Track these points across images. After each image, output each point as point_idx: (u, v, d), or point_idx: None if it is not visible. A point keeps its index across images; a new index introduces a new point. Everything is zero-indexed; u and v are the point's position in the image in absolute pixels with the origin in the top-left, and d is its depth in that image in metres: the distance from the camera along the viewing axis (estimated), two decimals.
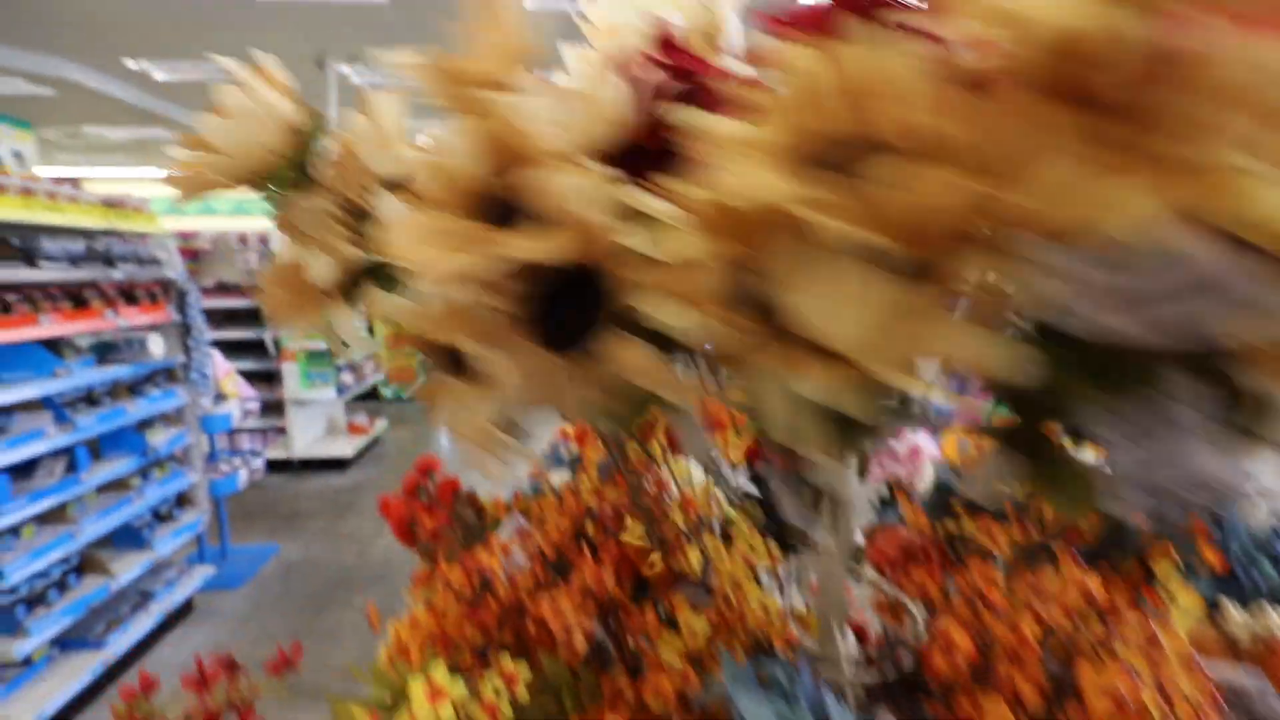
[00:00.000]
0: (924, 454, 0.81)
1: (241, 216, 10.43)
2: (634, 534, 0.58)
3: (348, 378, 4.52)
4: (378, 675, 0.45)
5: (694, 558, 0.57)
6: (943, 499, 0.73)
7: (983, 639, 0.41)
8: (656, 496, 0.61)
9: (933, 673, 0.42)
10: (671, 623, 0.52)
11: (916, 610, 0.51)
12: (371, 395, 6.02)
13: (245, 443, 4.16)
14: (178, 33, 4.91)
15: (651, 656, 0.51)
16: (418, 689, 0.38)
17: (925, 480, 0.77)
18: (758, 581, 0.55)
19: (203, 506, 2.71)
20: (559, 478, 0.66)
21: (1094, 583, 0.40)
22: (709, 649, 0.51)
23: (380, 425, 4.92)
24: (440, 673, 0.38)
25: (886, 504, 0.81)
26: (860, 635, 0.55)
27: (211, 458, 2.83)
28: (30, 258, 1.98)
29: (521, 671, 0.41)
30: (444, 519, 0.61)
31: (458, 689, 0.38)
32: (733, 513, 0.61)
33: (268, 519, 3.61)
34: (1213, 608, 0.53)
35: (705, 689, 0.43)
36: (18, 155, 2.09)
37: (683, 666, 0.47)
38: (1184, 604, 0.48)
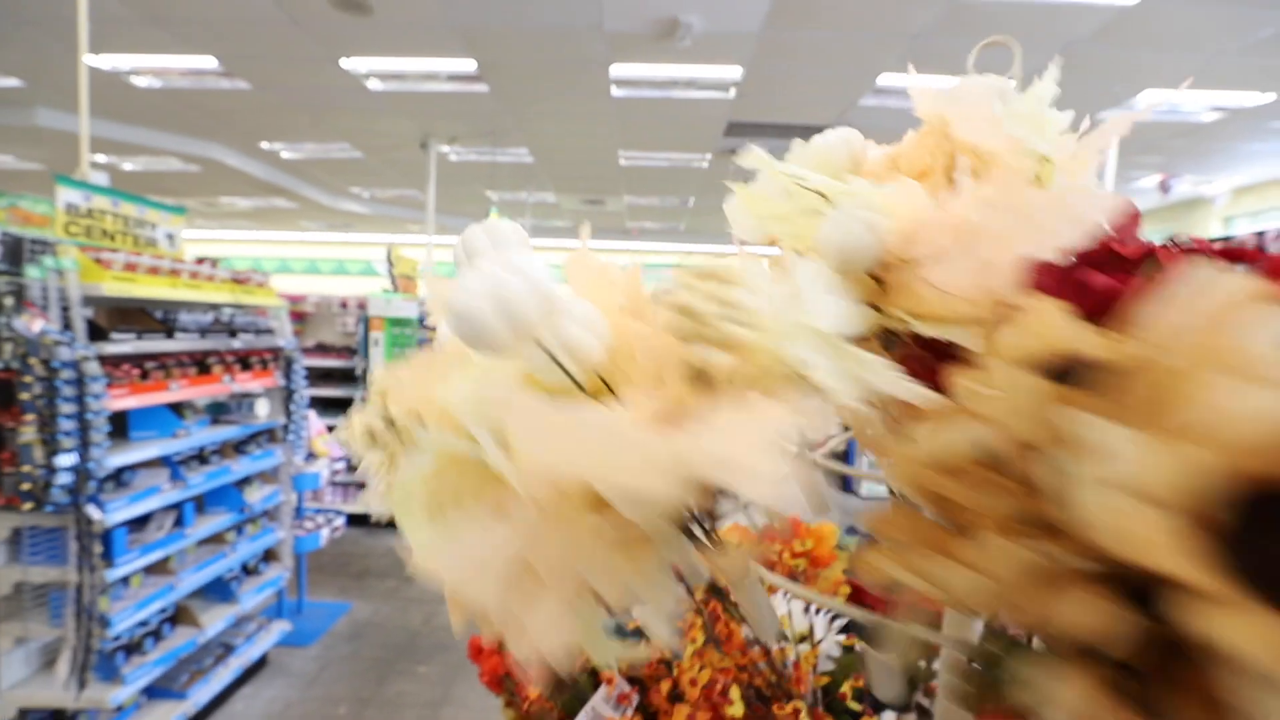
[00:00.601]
0: None
1: (341, 276, 11.34)
2: (738, 708, 0.55)
3: None
4: None
5: None
6: None
7: None
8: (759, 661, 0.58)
9: None
10: None
11: None
12: None
13: (328, 497, 4.35)
14: (304, 118, 5.52)
15: None
16: None
17: None
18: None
19: (286, 562, 2.83)
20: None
21: None
22: None
23: None
24: None
25: None
26: None
27: (298, 514, 2.97)
28: (169, 329, 2.20)
29: None
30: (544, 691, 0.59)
31: None
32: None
33: (341, 576, 3.72)
34: None
35: None
36: (170, 237, 2.37)
37: None
38: None
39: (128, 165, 6.83)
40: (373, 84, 4.63)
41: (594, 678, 0.68)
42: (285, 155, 6.68)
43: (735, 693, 0.56)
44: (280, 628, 2.75)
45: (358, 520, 4.36)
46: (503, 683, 0.62)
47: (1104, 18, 3.34)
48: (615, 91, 4.61)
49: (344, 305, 4.49)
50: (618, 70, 4.25)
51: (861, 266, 0.29)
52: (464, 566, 0.26)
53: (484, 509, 0.26)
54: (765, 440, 0.19)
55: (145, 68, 4.44)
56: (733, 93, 4.55)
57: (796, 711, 0.53)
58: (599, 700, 0.62)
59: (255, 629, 2.65)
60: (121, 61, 4.31)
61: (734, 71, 4.21)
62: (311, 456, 3.08)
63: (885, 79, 4.24)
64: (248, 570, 2.64)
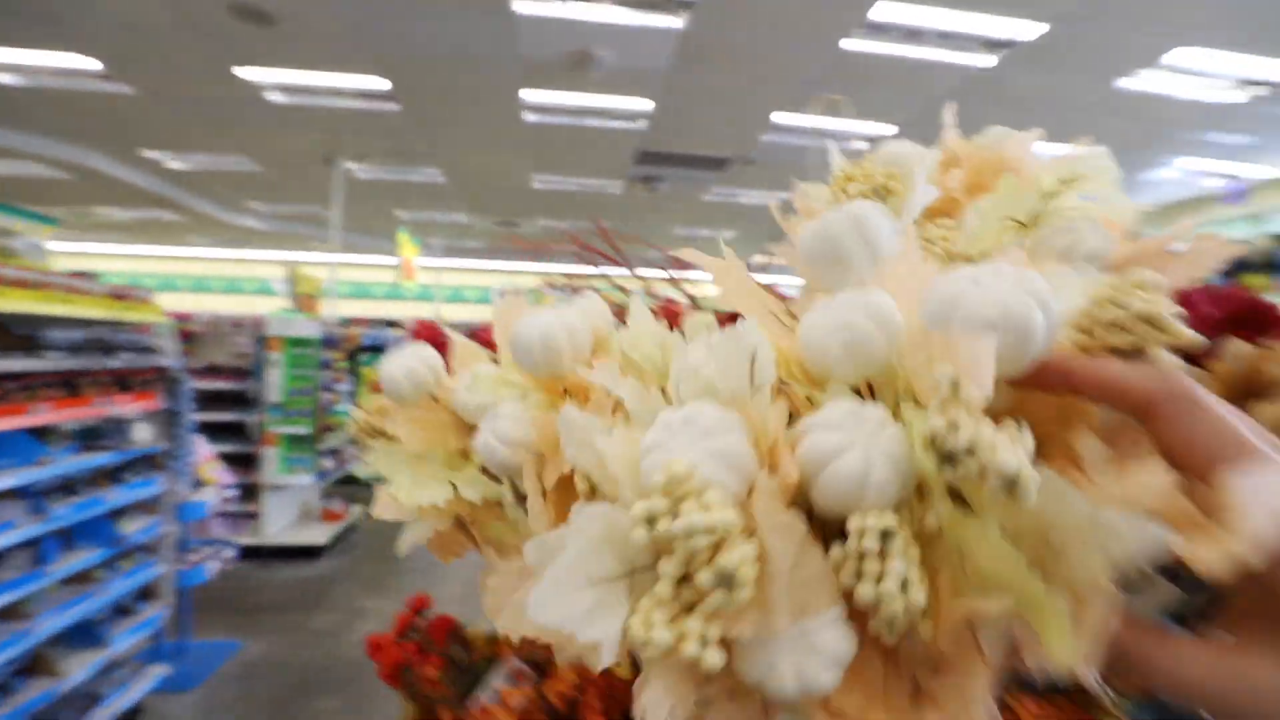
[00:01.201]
0: None
1: (234, 295, 10.59)
2: (626, 670, 0.61)
3: (328, 463, 4.47)
4: None
5: None
6: None
7: None
8: None
9: None
10: None
11: None
12: (349, 480, 5.92)
13: (216, 529, 4.04)
14: (195, 128, 5.21)
15: None
16: None
17: None
18: None
19: (166, 599, 2.61)
20: None
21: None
22: None
23: (356, 512, 4.81)
24: None
25: None
26: None
27: (182, 547, 2.75)
28: (32, 346, 2.03)
29: None
30: (440, 664, 0.63)
31: None
32: None
33: (231, 612, 3.45)
34: None
35: None
36: (37, 248, 2.19)
37: None
38: None
39: None
40: (274, 96, 4.46)
41: (490, 661, 0.73)
42: (171, 165, 6.24)
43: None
44: (158, 671, 2.52)
45: (252, 553, 4.07)
46: (400, 674, 0.66)
47: (962, 77, 3.80)
48: (528, 117, 4.69)
49: (237, 325, 4.23)
50: (530, 96, 4.34)
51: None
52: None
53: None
54: None
55: (10, 63, 4.06)
56: (643, 123, 4.76)
57: None
58: (498, 677, 0.67)
59: (128, 675, 2.42)
60: None
61: (645, 104, 4.41)
62: (199, 484, 2.88)
63: (780, 117, 4.58)
64: (121, 610, 2.42)
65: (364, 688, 2.69)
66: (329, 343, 4.53)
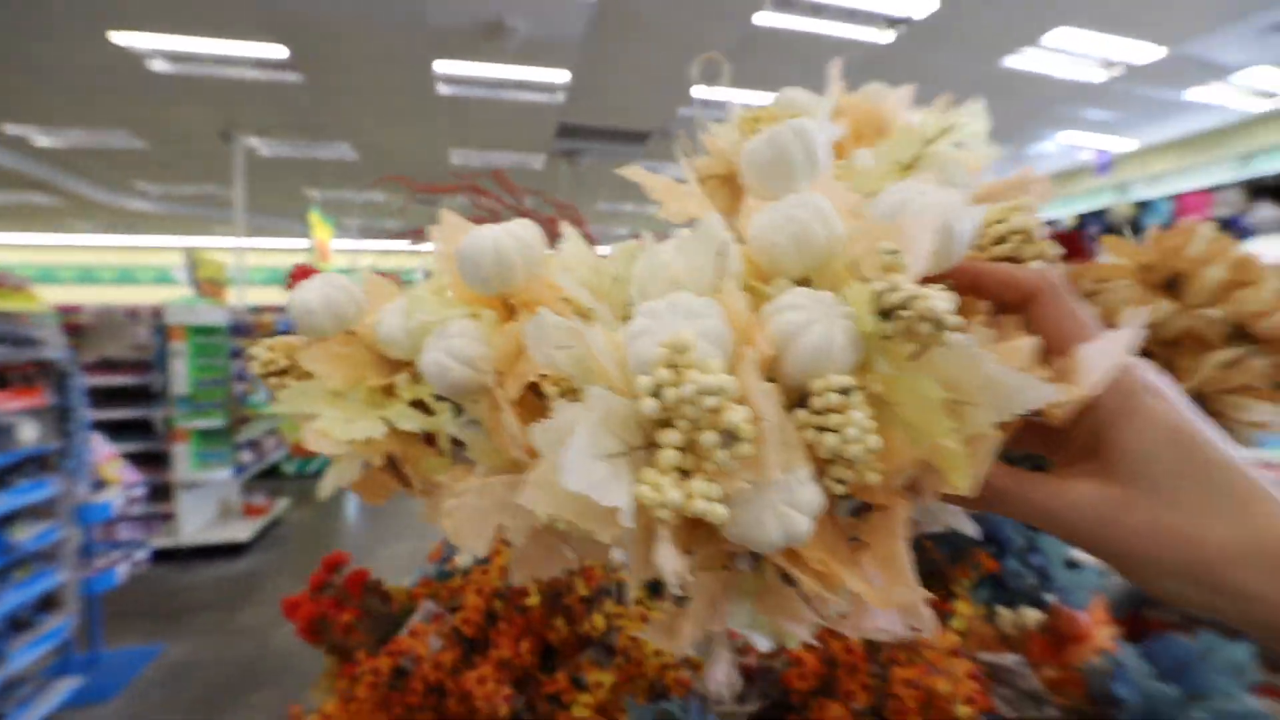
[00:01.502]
0: None
1: (128, 286, 9.73)
2: (535, 599, 0.66)
3: (246, 456, 4.27)
4: None
5: (597, 621, 0.65)
6: None
7: (828, 658, 0.53)
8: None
9: (790, 688, 0.54)
10: (580, 684, 0.59)
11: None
12: (272, 473, 5.67)
13: (125, 533, 3.80)
14: (64, 99, 4.73)
15: (564, 716, 0.58)
16: None
17: None
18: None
19: (71, 609, 2.46)
20: (465, 559, 0.73)
21: None
22: (615, 700, 0.59)
23: (281, 505, 4.63)
24: None
25: None
26: (745, 672, 0.66)
27: (86, 552, 2.59)
28: None
29: None
30: (355, 613, 0.66)
31: None
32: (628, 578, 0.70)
33: (149, 618, 3.28)
34: (992, 612, 0.69)
35: None
36: None
37: (593, 718, 0.55)
38: (962, 611, 0.62)
39: None
40: (157, 64, 4.11)
41: (409, 611, 0.76)
42: (40, 142, 5.64)
43: (533, 588, 0.66)
44: (69, 684, 2.39)
45: (169, 554, 3.86)
46: (318, 627, 0.68)
47: (865, 53, 3.97)
48: (442, 89, 4.54)
49: (133, 315, 3.93)
50: (443, 67, 4.20)
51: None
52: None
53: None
54: None
55: None
56: (561, 96, 4.70)
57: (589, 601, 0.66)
58: (415, 619, 0.71)
59: (31, 691, 2.28)
60: None
61: (562, 75, 4.35)
62: (101, 485, 2.70)
63: (698, 91, 4.64)
64: (18, 624, 2.27)
65: (301, 676, 2.64)
66: (239, 330, 4.29)
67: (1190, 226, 0.37)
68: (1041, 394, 0.20)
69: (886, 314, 0.20)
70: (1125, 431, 0.21)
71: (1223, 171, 5.04)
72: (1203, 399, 0.35)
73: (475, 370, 0.30)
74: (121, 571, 2.68)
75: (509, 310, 0.32)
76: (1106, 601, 0.66)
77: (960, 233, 0.23)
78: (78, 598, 2.48)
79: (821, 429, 0.20)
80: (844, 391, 0.20)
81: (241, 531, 4.07)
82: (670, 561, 0.20)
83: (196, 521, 4.03)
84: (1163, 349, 0.34)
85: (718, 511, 0.19)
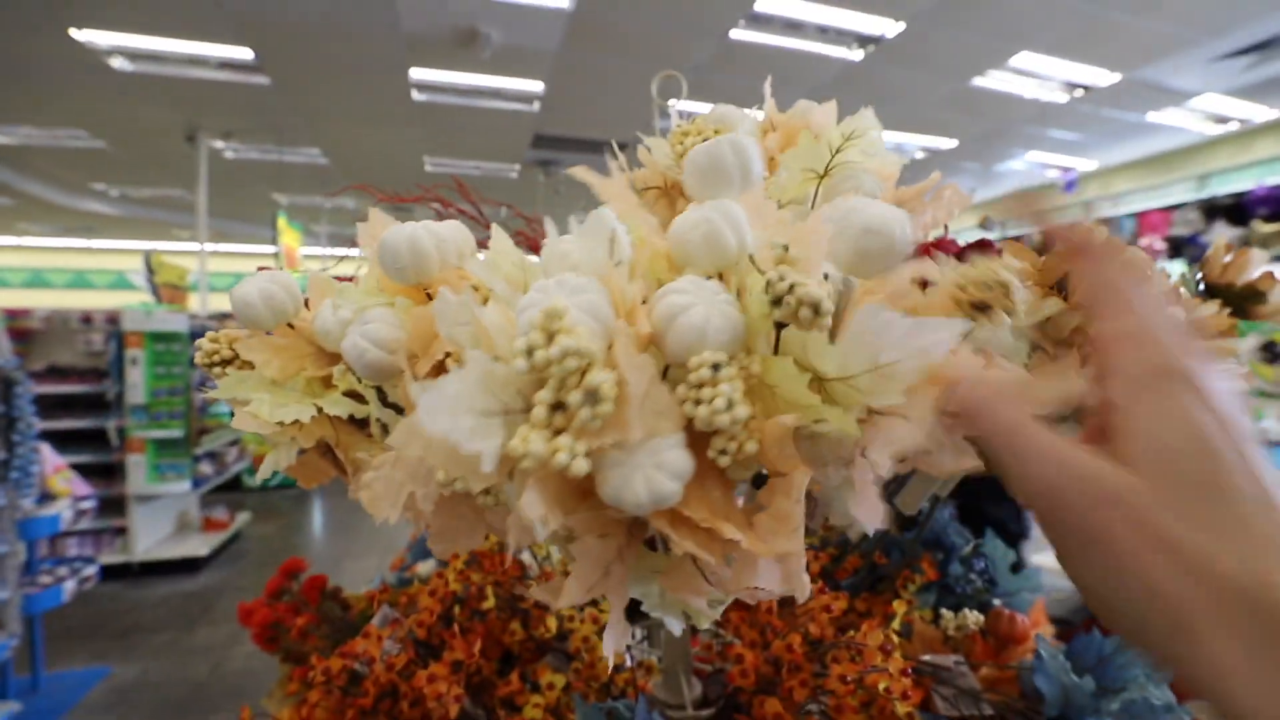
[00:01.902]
0: None
1: (82, 290, 9.37)
2: (491, 602, 0.65)
3: (207, 468, 4.13)
4: None
5: (550, 622, 0.65)
6: None
7: (771, 658, 0.53)
8: (516, 574, 0.69)
9: (735, 686, 0.54)
10: (535, 688, 0.59)
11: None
12: (233, 485, 5.49)
13: (74, 548, 3.63)
14: (19, 96, 4.56)
15: (517, 718, 0.57)
16: None
17: None
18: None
19: (12, 628, 2.33)
20: (426, 568, 0.71)
21: (840, 603, 0.54)
22: (569, 702, 0.58)
23: (242, 519, 4.48)
24: None
25: None
26: (700, 676, 0.66)
27: (31, 569, 2.46)
28: None
29: None
30: (311, 618, 0.64)
31: None
32: None
33: (96, 638, 3.13)
34: (937, 615, 0.70)
35: None
36: None
37: (547, 710, 0.54)
38: (898, 610, 0.62)
39: None
40: (118, 62, 3.99)
41: (367, 617, 0.74)
42: None
43: (490, 590, 0.65)
44: (6, 709, 2.26)
45: (120, 571, 3.70)
46: (274, 633, 0.65)
47: (838, 69, 4.06)
48: (416, 96, 4.50)
49: (87, 320, 3.78)
50: (418, 74, 4.16)
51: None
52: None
53: None
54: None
55: None
56: (537, 106, 4.70)
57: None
58: (373, 622, 0.69)
59: None
60: None
61: (536, 85, 4.35)
62: (48, 498, 2.57)
63: (673, 104, 4.68)
64: None
65: (256, 698, 2.54)
66: (201, 337, 4.16)
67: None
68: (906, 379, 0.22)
69: (777, 301, 0.22)
70: (1141, 417, 0.19)
71: (1182, 191, 5.27)
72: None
73: (389, 352, 0.32)
74: (68, 589, 2.56)
75: (426, 299, 0.34)
76: (1054, 605, 0.67)
77: (900, 238, 0.26)
78: (19, 617, 2.35)
79: (698, 402, 0.22)
80: (715, 367, 0.22)
81: (199, 547, 3.92)
82: (534, 509, 0.21)
83: (151, 537, 3.88)
84: (1055, 347, 0.37)
85: (579, 465, 0.21)
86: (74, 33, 3.62)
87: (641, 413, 0.22)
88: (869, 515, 0.27)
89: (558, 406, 0.21)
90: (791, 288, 0.22)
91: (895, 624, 0.55)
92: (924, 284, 0.31)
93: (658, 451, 0.22)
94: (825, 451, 0.26)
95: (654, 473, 0.22)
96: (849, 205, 0.27)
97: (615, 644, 0.26)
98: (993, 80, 4.24)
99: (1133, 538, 0.18)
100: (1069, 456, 0.20)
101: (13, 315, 3.60)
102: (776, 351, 0.24)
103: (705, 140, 0.37)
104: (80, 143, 5.54)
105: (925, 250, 0.35)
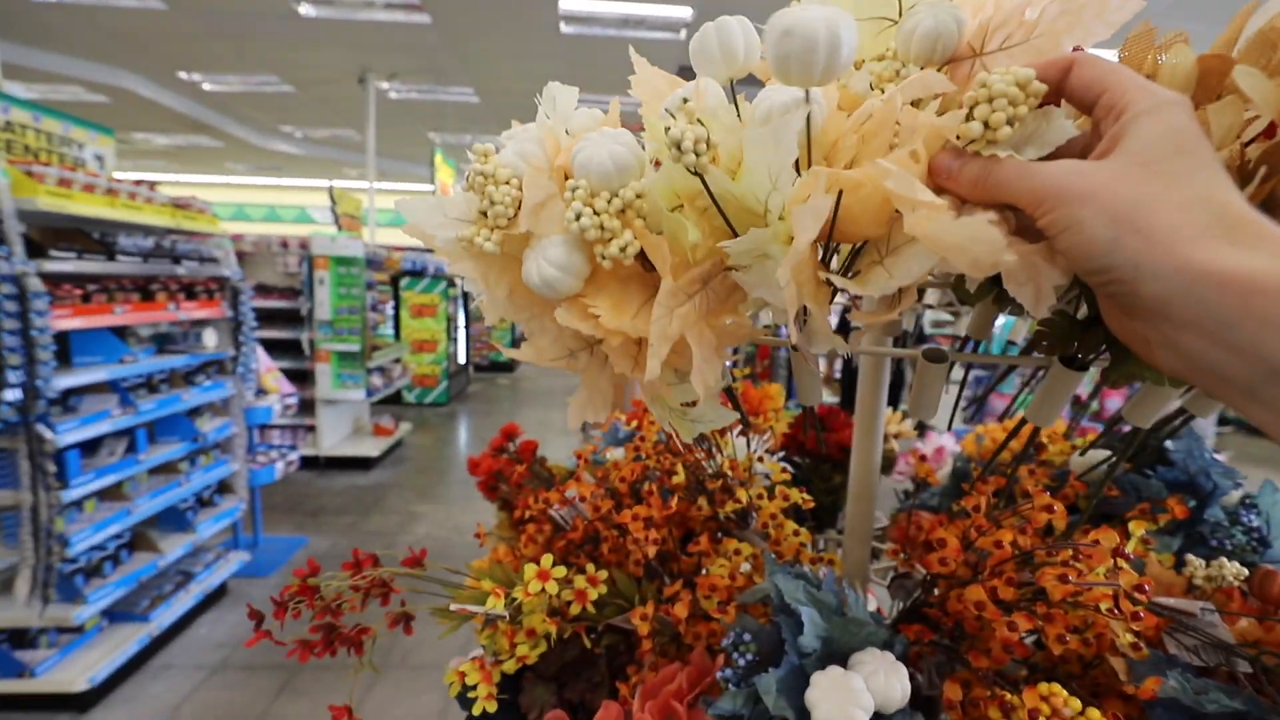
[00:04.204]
0: (946, 451, 0.92)
1: (272, 224, 10.74)
2: (681, 477, 0.68)
3: (377, 380, 4.66)
4: (492, 569, 0.55)
5: (740, 494, 0.67)
6: (956, 484, 0.83)
7: (972, 552, 0.51)
8: (704, 460, 0.71)
9: (932, 571, 0.52)
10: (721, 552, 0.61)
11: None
12: (395, 399, 6.16)
13: (276, 438, 4.30)
14: (226, 46, 5.16)
15: (703, 579, 0.60)
16: (530, 570, 0.48)
17: (944, 471, 0.87)
18: (795, 519, 0.64)
19: (241, 495, 2.83)
20: (617, 455, 0.76)
21: (1059, 516, 0.49)
22: (748, 573, 0.60)
23: (404, 429, 5.04)
24: (548, 561, 0.49)
25: (909, 495, 0.91)
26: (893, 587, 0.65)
27: (250, 449, 2.96)
28: (110, 251, 2.13)
29: (600, 575, 0.51)
30: (525, 473, 0.71)
31: (560, 571, 0.48)
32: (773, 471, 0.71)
33: (296, 513, 3.73)
34: (1181, 562, 0.62)
35: (748, 594, 0.52)
36: (99, 158, 2.26)
37: (730, 576, 0.56)
38: (1136, 533, 0.55)
39: (22, 93, 6.22)
40: (304, 9, 4.38)
41: (567, 478, 0.81)
42: (207, 88, 6.23)
43: (680, 467, 0.67)
44: (239, 557, 2.78)
45: (310, 462, 4.34)
46: (494, 482, 0.74)
47: None
48: (565, 28, 4.52)
49: (284, 245, 4.33)
50: (567, 5, 4.17)
51: (943, 58, 0.33)
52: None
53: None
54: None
55: None
56: (684, 34, 4.55)
57: (726, 495, 0.66)
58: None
59: (213, 559, 2.67)
60: None
61: (684, 11, 4.20)
62: (262, 392, 3.05)
63: None
64: (202, 501, 2.65)
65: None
66: (373, 263, 4.63)
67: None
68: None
69: (672, 144, 0.27)
70: (1141, 126, 0.23)
71: None
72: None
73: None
74: (279, 469, 3.05)
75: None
76: None
77: (824, 37, 0.27)
78: (245, 486, 2.85)
79: (578, 215, 0.30)
80: (589, 193, 0.30)
81: (371, 449, 4.49)
82: (465, 272, 0.35)
83: (334, 436, 4.49)
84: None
85: (489, 246, 0.32)
86: None
87: (535, 218, 0.32)
88: (812, 342, 0.33)
89: (484, 213, 0.33)
90: (679, 135, 0.27)
91: (1130, 545, 0.49)
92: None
93: (545, 248, 0.31)
94: (756, 279, 0.30)
95: (543, 263, 0.31)
96: (780, 14, 0.28)
97: (705, 381, 0.32)
98: None
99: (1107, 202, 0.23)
100: (1051, 164, 0.25)
101: (232, 239, 4.20)
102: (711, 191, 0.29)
103: None
104: (271, 88, 6.22)
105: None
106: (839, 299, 0.38)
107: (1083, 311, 0.42)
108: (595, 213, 0.30)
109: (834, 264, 0.32)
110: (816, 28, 0.26)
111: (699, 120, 0.30)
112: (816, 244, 0.30)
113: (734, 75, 0.32)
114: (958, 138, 0.27)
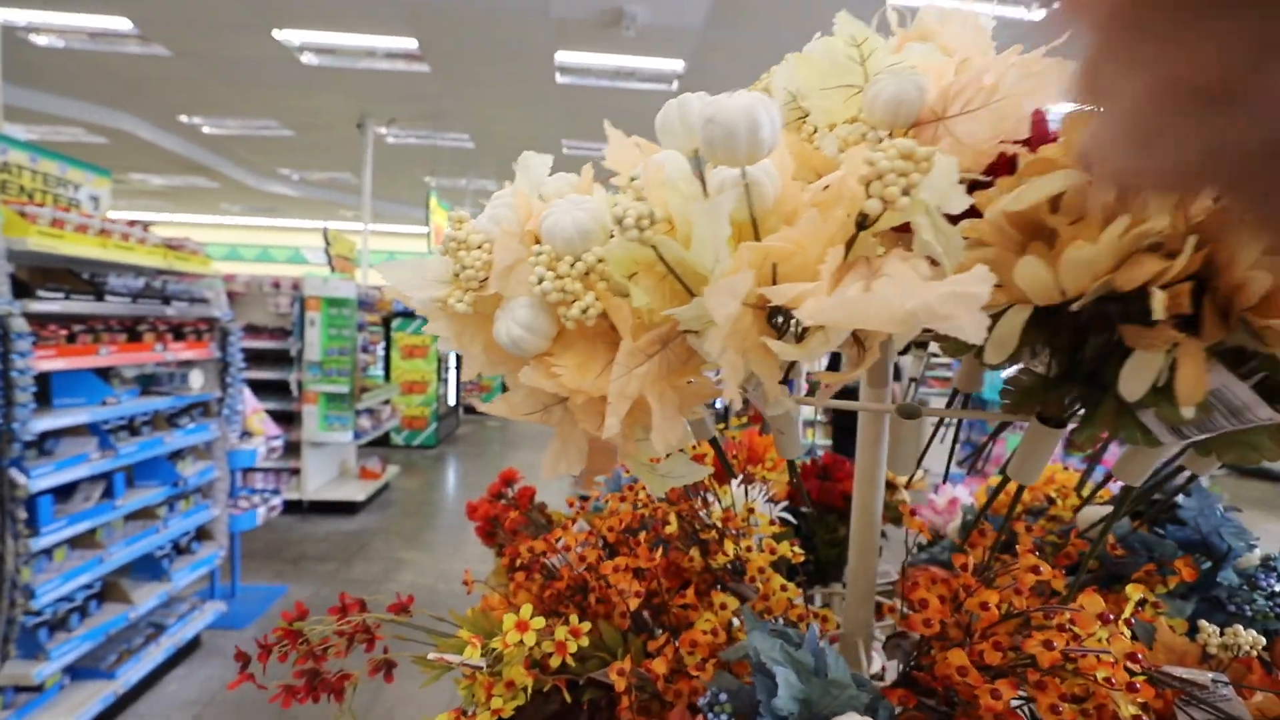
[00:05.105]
0: (959, 504, 0.90)
1: (265, 264, 10.76)
2: (674, 526, 0.66)
3: (365, 422, 4.59)
4: (473, 619, 0.53)
5: (728, 546, 0.65)
6: (967, 537, 0.81)
7: (960, 619, 0.48)
8: (698, 510, 0.69)
9: (916, 632, 0.49)
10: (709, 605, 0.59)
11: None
12: (383, 441, 6.06)
13: (259, 481, 4.19)
14: (228, 91, 5.27)
15: (688, 634, 0.58)
16: (509, 620, 0.46)
17: (955, 524, 0.85)
18: (785, 574, 0.62)
19: (220, 541, 2.74)
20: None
21: (1054, 577, 0.47)
22: (738, 627, 0.58)
23: (391, 471, 4.94)
24: (527, 611, 0.46)
25: (922, 548, 0.89)
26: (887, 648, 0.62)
27: (232, 493, 2.87)
28: (98, 292, 2.11)
29: (584, 626, 0.49)
30: (522, 519, 0.68)
31: (539, 622, 0.46)
32: (767, 523, 0.69)
33: (276, 561, 3.61)
34: (1193, 629, 0.59)
35: (730, 651, 0.50)
36: (95, 199, 2.26)
37: (713, 632, 0.54)
38: (1134, 597, 0.52)
39: (22, 134, 6.29)
40: (306, 58, 4.49)
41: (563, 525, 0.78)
42: (207, 130, 6.33)
43: (673, 517, 0.66)
44: (215, 608, 2.66)
45: (293, 506, 4.23)
46: (490, 527, 0.71)
47: None
48: (560, 78, 4.66)
49: (276, 285, 4.32)
50: (563, 57, 4.30)
51: (907, 121, 0.34)
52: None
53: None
54: (965, 286, 0.24)
55: (47, 25, 4.13)
56: (675, 85, 4.70)
57: (719, 542, 0.64)
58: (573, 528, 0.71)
59: (187, 609, 2.56)
60: (17, 15, 3.99)
61: (676, 64, 4.35)
62: (247, 435, 2.99)
63: None
64: (179, 548, 2.55)
65: (405, 630, 2.80)
66: (365, 304, 4.62)
67: None
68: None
69: (617, 220, 0.30)
70: None
71: None
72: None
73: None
74: (260, 514, 2.96)
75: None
76: None
77: (744, 125, 0.29)
78: (225, 532, 2.76)
79: (540, 279, 0.33)
80: (555, 258, 0.33)
81: (357, 492, 4.38)
82: (441, 331, 0.39)
83: (319, 479, 4.39)
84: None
85: (460, 307, 0.35)
86: (275, 33, 4.11)
87: (504, 281, 0.34)
88: (765, 404, 0.34)
89: (458, 275, 0.36)
90: (625, 212, 0.29)
91: (1127, 611, 0.47)
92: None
93: (514, 309, 0.33)
94: (709, 343, 0.31)
95: (511, 323, 0.33)
96: (704, 102, 0.30)
97: (665, 439, 0.32)
98: None
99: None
100: None
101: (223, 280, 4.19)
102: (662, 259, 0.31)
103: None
104: (271, 132, 6.32)
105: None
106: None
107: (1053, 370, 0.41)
108: (558, 276, 0.32)
109: (794, 326, 0.33)
110: (735, 117, 0.29)
111: (644, 197, 0.32)
112: (761, 310, 0.31)
113: (696, 147, 0.33)
114: (862, 214, 0.28)
